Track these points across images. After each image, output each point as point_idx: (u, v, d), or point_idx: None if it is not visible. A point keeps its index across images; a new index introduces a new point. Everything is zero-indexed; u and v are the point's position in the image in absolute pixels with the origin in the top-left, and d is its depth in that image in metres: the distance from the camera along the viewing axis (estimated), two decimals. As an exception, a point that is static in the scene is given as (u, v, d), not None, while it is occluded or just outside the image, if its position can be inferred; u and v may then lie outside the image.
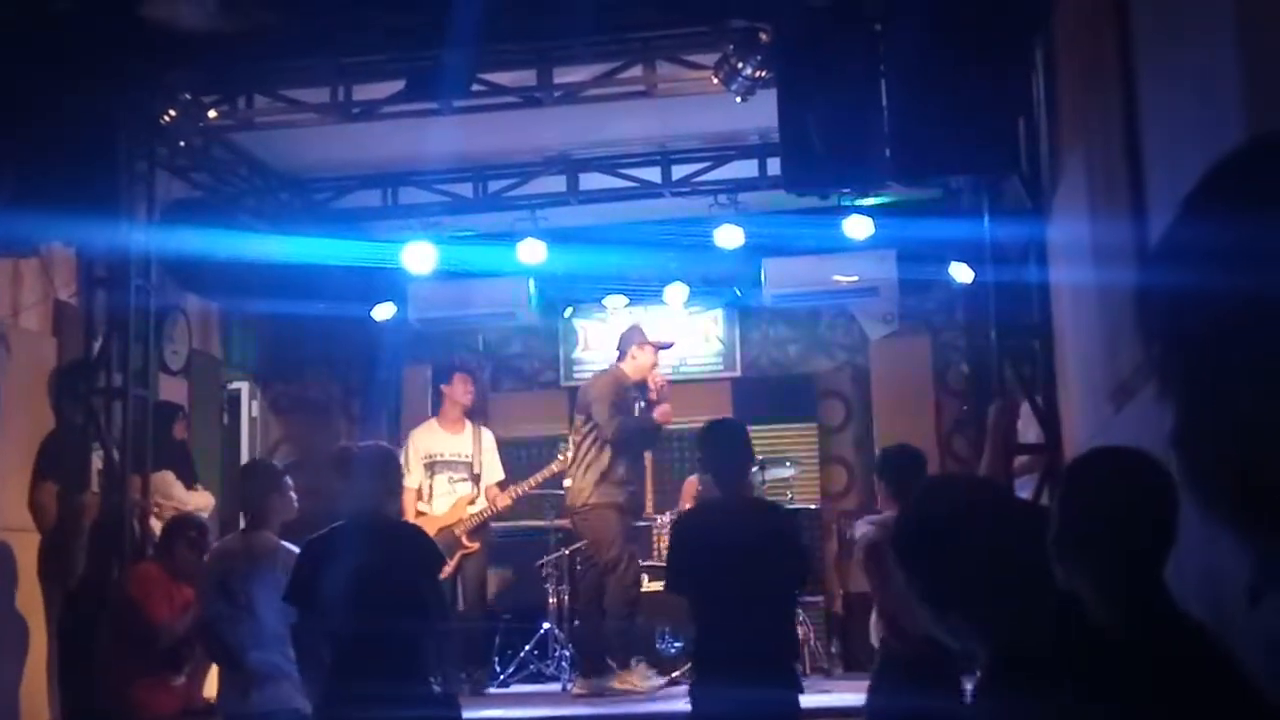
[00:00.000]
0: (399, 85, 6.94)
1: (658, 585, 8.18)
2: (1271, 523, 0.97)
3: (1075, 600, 2.32)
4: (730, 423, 5.93)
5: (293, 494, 5.83)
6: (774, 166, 8.03)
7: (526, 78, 7.22)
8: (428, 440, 8.62)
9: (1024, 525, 2.46)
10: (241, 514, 5.99)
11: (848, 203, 8.58)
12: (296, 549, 5.47)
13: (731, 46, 6.59)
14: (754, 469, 6.26)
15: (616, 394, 7.93)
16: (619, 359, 8.26)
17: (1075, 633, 2.26)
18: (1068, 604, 2.31)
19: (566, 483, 8.07)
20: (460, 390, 8.76)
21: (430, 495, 8.50)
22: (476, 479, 8.61)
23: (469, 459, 8.62)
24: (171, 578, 6.23)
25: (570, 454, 8.06)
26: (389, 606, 4.83)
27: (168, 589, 6.16)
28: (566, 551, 8.75)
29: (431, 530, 7.98)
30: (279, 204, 9.07)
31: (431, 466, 8.52)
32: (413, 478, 8.32)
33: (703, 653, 5.10)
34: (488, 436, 8.83)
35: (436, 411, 8.99)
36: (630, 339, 8.27)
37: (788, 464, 9.14)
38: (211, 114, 7.40)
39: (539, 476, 8.62)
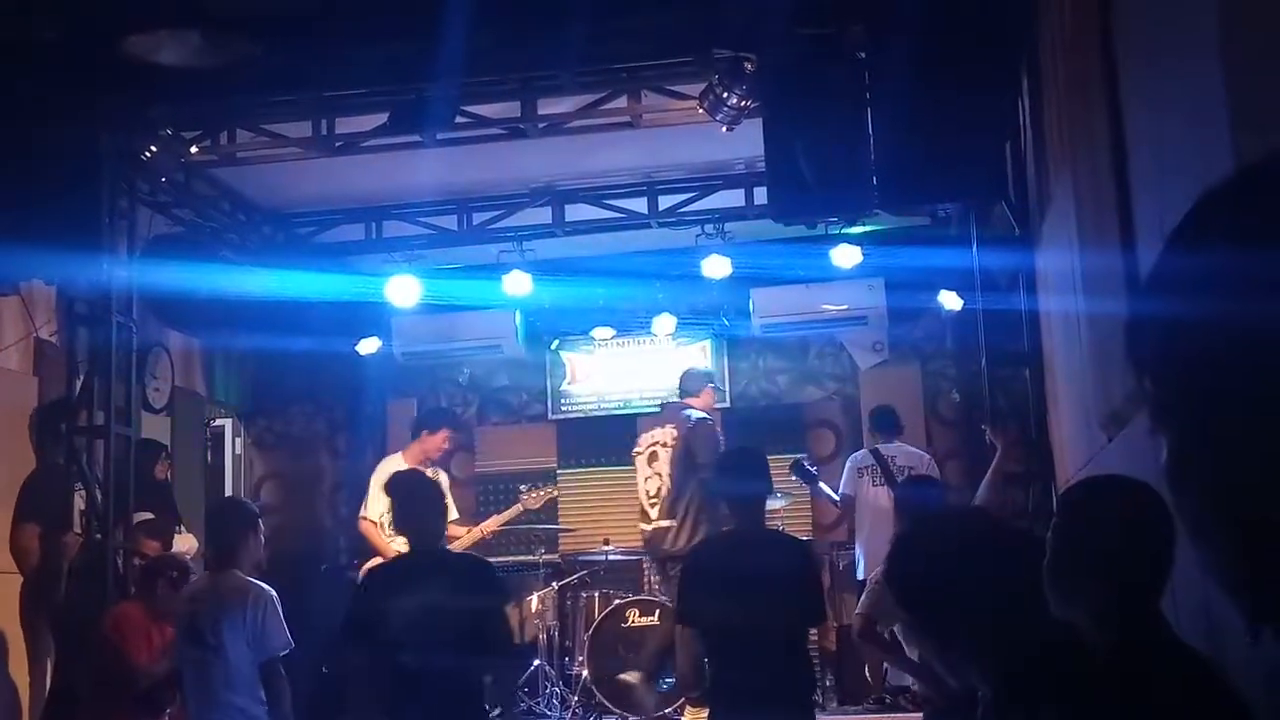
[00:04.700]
0: (382, 118, 6.92)
1: (648, 620, 8.11)
2: (1266, 558, 0.92)
3: (1072, 630, 2.28)
4: (748, 451, 5.80)
5: (263, 536, 5.74)
6: (761, 196, 8.01)
7: (511, 109, 7.20)
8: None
9: (1020, 556, 2.43)
10: (210, 552, 5.85)
11: (835, 231, 8.56)
12: (268, 588, 5.39)
13: (717, 76, 6.58)
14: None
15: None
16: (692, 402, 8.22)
17: (1073, 663, 2.22)
18: (1065, 634, 2.27)
19: (664, 524, 7.89)
20: (438, 443, 8.64)
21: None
22: None
23: None
24: (152, 618, 6.12)
25: (665, 493, 7.97)
26: (452, 639, 4.69)
27: (148, 630, 6.05)
28: (556, 586, 8.68)
29: None
30: (262, 239, 9.03)
31: None
32: (374, 509, 8.27)
33: (719, 687, 5.00)
34: (444, 478, 8.77)
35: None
36: (702, 379, 8.40)
37: (778, 495, 9.07)
38: (193, 149, 7.36)
39: (508, 515, 8.58)
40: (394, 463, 8.54)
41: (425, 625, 4.69)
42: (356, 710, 4.93)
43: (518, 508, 8.62)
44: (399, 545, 8.26)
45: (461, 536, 8.43)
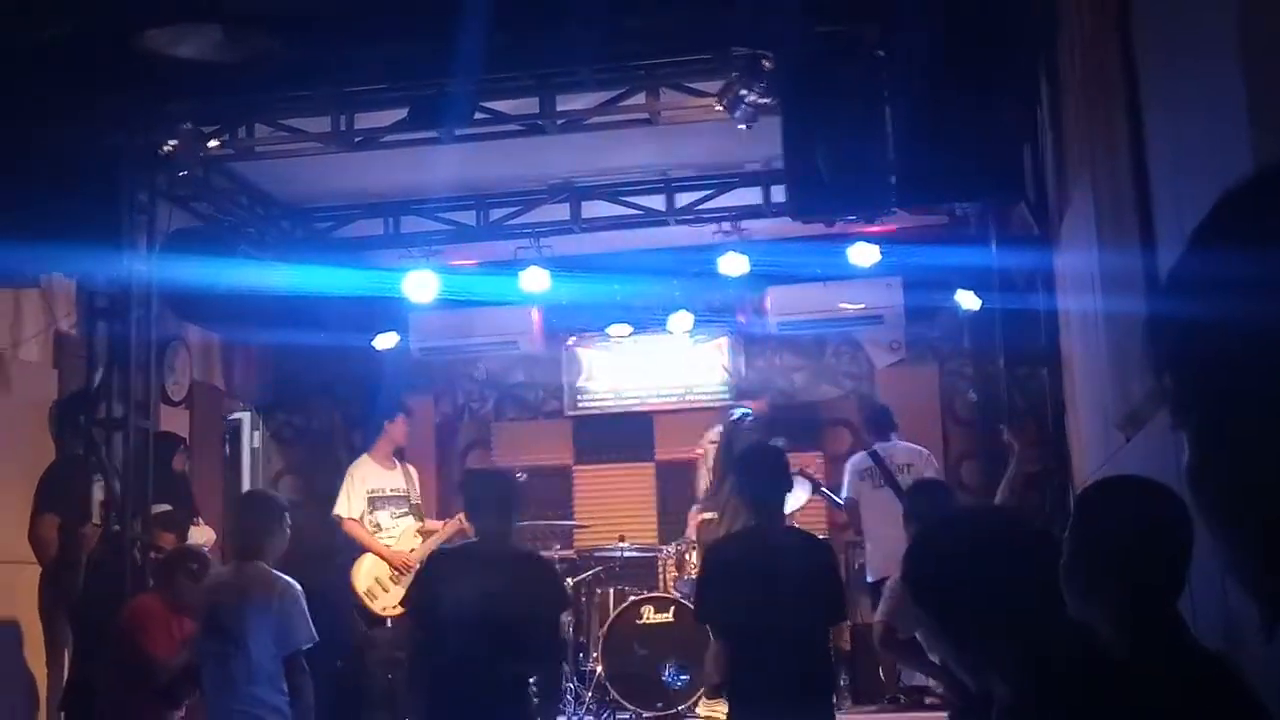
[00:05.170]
0: (401, 114, 6.94)
1: (663, 617, 8.12)
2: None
3: (1089, 630, 2.27)
4: (767, 449, 5.79)
5: (289, 530, 5.75)
6: (778, 193, 8.00)
7: (529, 105, 7.21)
8: (369, 476, 8.72)
9: (1036, 556, 2.42)
10: (236, 544, 5.88)
11: (853, 230, 8.54)
12: (293, 581, 5.41)
13: (735, 74, 6.57)
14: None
15: None
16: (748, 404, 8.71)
17: (1089, 664, 2.21)
18: (1082, 634, 2.27)
19: (708, 515, 8.14)
20: (401, 430, 8.92)
21: (378, 528, 8.60)
22: (416, 510, 8.74)
23: (405, 493, 8.78)
24: (172, 611, 6.13)
25: (715, 490, 8.27)
26: (505, 637, 4.75)
27: (167, 622, 6.07)
28: (571, 582, 8.68)
29: (396, 561, 8.29)
30: (280, 233, 9.06)
31: (373, 501, 8.58)
32: (355, 508, 8.51)
33: (738, 685, 5.01)
34: (414, 472, 8.97)
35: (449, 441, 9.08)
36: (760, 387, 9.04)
37: (809, 484, 9.09)
38: (212, 143, 7.38)
39: None
40: (364, 464, 8.73)
41: (473, 615, 4.72)
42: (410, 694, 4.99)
43: None
44: (385, 539, 8.42)
45: (439, 530, 8.49)
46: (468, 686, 4.72)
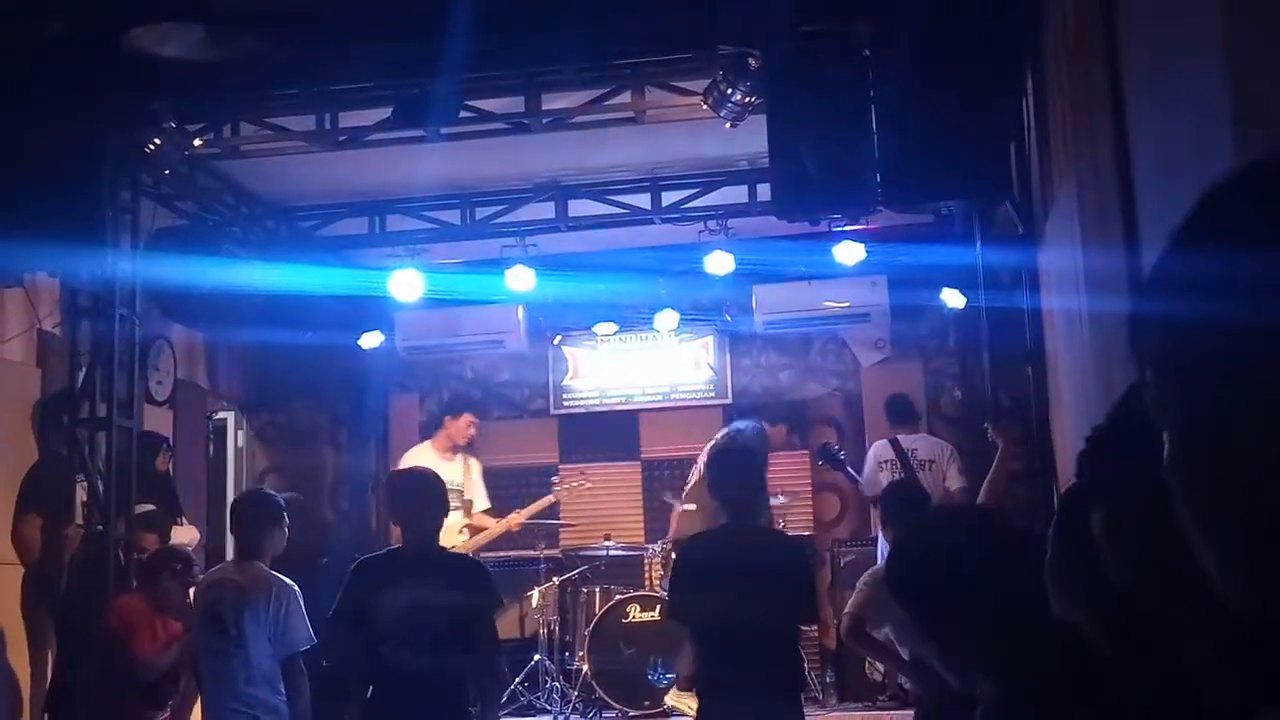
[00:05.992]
0: (386, 112, 6.93)
1: (649, 615, 8.12)
2: (1266, 552, 0.92)
3: (1074, 629, 2.27)
4: (739, 449, 5.81)
5: (286, 529, 5.74)
6: (764, 192, 8.00)
7: (515, 104, 7.20)
8: (424, 464, 8.63)
9: (1020, 554, 2.42)
10: (235, 543, 5.89)
11: (839, 228, 8.55)
12: (291, 582, 5.40)
13: (721, 73, 6.58)
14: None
15: None
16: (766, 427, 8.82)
17: (1076, 662, 2.22)
18: (1067, 633, 2.27)
19: (688, 507, 8.22)
20: (463, 429, 8.94)
21: None
22: (468, 506, 8.66)
23: (460, 487, 8.71)
24: (156, 611, 6.12)
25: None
26: (437, 638, 4.75)
27: (151, 622, 6.05)
28: (557, 581, 8.69)
29: None
30: (265, 232, 9.03)
31: None
32: None
33: (706, 682, 5.03)
34: (476, 466, 8.97)
35: (428, 436, 9.02)
36: (783, 420, 9.21)
37: (779, 494, 9.10)
38: (197, 142, 7.36)
39: (537, 507, 8.71)
40: (421, 451, 8.72)
41: (408, 619, 4.73)
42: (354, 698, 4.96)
43: (549, 499, 8.71)
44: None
45: (490, 528, 8.51)
46: (406, 687, 4.73)
